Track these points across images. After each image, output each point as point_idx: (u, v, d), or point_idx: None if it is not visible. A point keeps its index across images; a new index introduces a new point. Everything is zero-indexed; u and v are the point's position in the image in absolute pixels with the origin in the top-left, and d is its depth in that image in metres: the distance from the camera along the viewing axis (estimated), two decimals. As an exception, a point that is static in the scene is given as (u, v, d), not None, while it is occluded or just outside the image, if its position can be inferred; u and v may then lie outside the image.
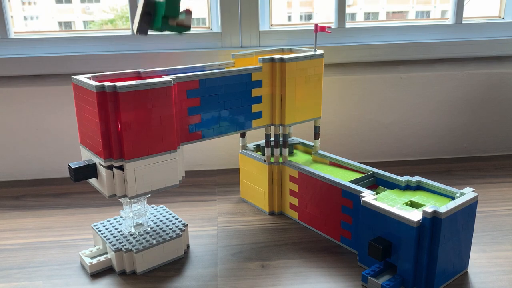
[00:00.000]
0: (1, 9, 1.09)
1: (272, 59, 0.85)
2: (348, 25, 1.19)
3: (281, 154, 0.91)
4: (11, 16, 1.13)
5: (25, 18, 1.26)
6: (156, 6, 0.58)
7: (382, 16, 1.40)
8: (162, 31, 0.63)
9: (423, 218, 0.65)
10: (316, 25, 0.90)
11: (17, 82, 1.11)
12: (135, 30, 0.61)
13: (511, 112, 1.23)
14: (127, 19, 1.15)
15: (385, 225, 0.69)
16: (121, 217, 0.83)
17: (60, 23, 1.30)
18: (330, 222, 0.83)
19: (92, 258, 0.76)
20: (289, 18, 1.35)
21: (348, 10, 1.19)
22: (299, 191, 0.89)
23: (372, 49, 1.18)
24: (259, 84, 0.85)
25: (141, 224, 0.80)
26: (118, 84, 0.67)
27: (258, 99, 0.86)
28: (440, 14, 1.37)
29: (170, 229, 0.80)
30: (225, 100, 0.81)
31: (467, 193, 0.71)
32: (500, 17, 1.28)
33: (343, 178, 0.83)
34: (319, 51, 0.90)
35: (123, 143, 0.68)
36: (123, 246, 0.74)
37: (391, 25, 1.22)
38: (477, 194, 0.71)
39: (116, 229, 0.79)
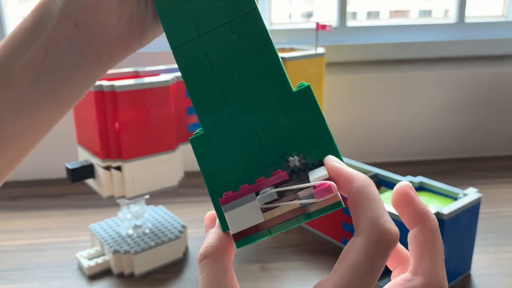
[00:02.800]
0: (-2, 8, 1.08)
1: (273, 58, 0.84)
2: (350, 23, 1.18)
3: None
4: (8, 15, 1.12)
5: (23, 17, 1.25)
6: None
7: (384, 15, 1.39)
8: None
9: (426, 220, 0.64)
10: (317, 23, 0.89)
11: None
12: None
13: (514, 111, 1.22)
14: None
15: (387, 226, 0.68)
16: (119, 218, 0.81)
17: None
18: (331, 224, 0.82)
19: (89, 260, 0.75)
20: (290, 16, 1.34)
21: (350, 9, 1.17)
22: (299, 192, 0.88)
23: (373, 48, 1.17)
24: (259, 83, 0.84)
25: (139, 225, 0.79)
26: (116, 83, 0.66)
27: (258, 99, 0.84)
28: (443, 13, 1.36)
29: (169, 230, 0.78)
30: (225, 99, 0.80)
31: (470, 194, 0.70)
32: (503, 16, 1.27)
33: (345, 178, 0.82)
34: (320, 50, 0.89)
35: (121, 143, 0.67)
36: (121, 247, 0.73)
37: (393, 24, 1.21)
38: (480, 195, 0.70)
39: (114, 230, 0.78)
